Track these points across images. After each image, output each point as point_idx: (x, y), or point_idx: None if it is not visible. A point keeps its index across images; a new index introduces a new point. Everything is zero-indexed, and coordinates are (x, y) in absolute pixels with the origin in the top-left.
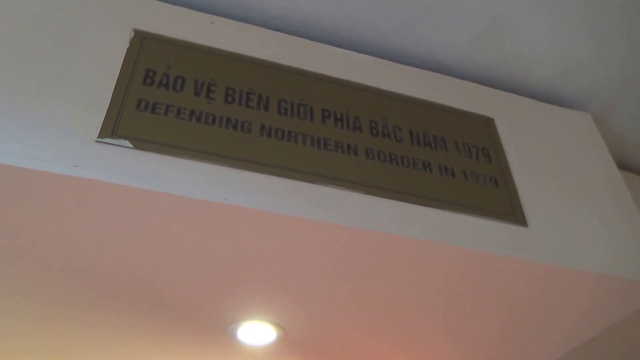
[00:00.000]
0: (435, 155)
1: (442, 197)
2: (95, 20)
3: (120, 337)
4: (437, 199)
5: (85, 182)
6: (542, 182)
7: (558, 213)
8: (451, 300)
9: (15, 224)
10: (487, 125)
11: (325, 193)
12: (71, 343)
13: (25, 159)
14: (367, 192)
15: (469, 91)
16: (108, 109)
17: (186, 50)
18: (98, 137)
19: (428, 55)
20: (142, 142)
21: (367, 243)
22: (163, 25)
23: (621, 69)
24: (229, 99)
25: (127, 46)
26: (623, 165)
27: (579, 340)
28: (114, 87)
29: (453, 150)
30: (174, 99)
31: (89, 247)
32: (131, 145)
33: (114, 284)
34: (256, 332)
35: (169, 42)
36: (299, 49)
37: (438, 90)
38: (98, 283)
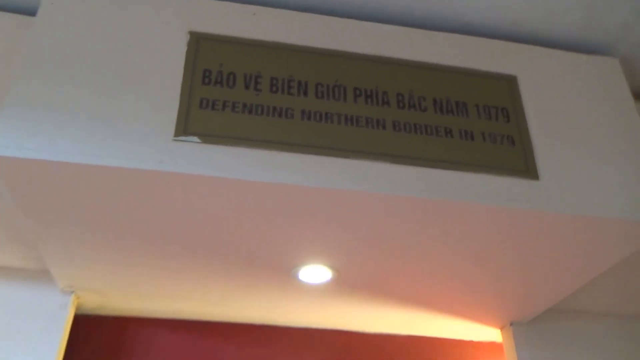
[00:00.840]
0: (456, 121)
1: (462, 159)
2: (154, 27)
3: (210, 281)
4: (458, 162)
5: (170, 174)
6: (560, 135)
7: (573, 164)
8: (471, 250)
9: (131, 211)
10: (508, 84)
11: (359, 166)
12: (178, 285)
13: (125, 161)
14: (394, 162)
15: (493, 50)
16: (178, 110)
17: (234, 46)
18: (174, 136)
19: (454, 17)
20: (208, 137)
21: (398, 206)
22: (211, 22)
23: None
24: (274, 88)
25: (186, 49)
26: None
27: (587, 278)
28: (180, 89)
29: (473, 114)
30: (228, 94)
31: (180, 220)
32: (199, 141)
33: (203, 244)
34: (314, 273)
35: (218, 40)
36: (331, 28)
37: (463, 52)
38: (191, 244)
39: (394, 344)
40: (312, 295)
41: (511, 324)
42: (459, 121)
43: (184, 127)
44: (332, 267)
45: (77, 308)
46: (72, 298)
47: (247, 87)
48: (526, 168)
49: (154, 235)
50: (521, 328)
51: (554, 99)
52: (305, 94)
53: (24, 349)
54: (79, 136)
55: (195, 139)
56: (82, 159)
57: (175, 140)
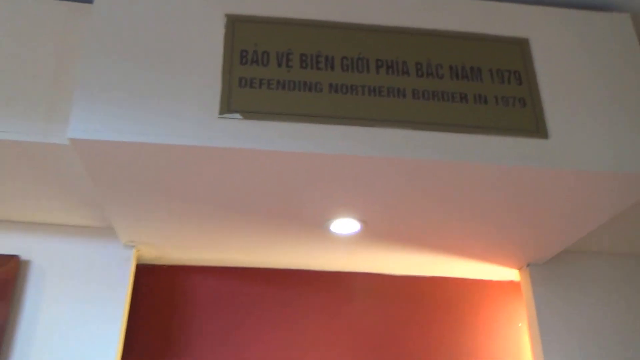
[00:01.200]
0: (471, 86)
1: (476, 123)
2: (195, 11)
3: (252, 234)
4: (473, 125)
5: (217, 149)
6: (569, 94)
7: (582, 122)
8: (487, 204)
9: (184, 179)
10: (520, 47)
11: (382, 133)
12: (224, 238)
13: (179, 138)
14: (414, 128)
15: (505, 14)
16: (221, 90)
17: (266, 26)
18: (219, 114)
19: None
20: (248, 113)
21: (418, 169)
22: (245, 4)
23: None
24: (303, 64)
25: (224, 32)
26: None
27: (595, 225)
28: (221, 70)
29: (487, 78)
30: (263, 73)
31: (225, 185)
32: (241, 117)
33: (246, 204)
34: (344, 225)
35: (252, 21)
36: (353, 2)
37: (476, 18)
38: (235, 204)
39: (419, 285)
40: (342, 244)
41: (528, 265)
42: (474, 86)
43: (227, 105)
44: (360, 219)
45: (137, 260)
46: (133, 251)
47: (279, 64)
48: (536, 128)
49: (203, 198)
50: (537, 269)
51: (564, 58)
52: (332, 68)
53: (96, 298)
54: (138, 117)
55: (238, 115)
56: (143, 138)
57: (220, 117)
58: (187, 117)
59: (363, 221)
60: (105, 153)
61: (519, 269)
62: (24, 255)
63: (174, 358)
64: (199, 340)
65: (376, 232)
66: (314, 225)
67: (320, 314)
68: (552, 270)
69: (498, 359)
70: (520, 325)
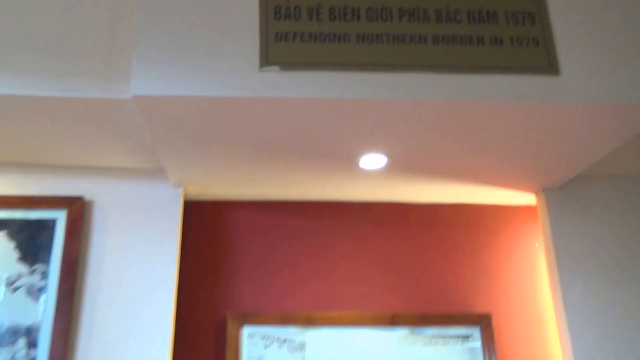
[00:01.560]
0: (487, 29)
1: (492, 64)
2: None
3: (288, 170)
4: (489, 66)
5: (259, 99)
6: (580, 30)
7: (592, 58)
8: (505, 137)
9: (229, 126)
10: None
11: (406, 78)
12: (262, 174)
13: (225, 91)
14: (435, 72)
15: None
16: (260, 45)
17: None
18: (259, 67)
19: None
20: (285, 65)
21: (439, 110)
22: None
23: None
24: (332, 17)
25: None
26: None
27: (607, 151)
28: (258, 26)
29: (502, 20)
30: (296, 26)
31: (266, 129)
32: (278, 69)
33: (284, 144)
34: (372, 161)
35: None
36: None
37: None
38: (274, 145)
39: (441, 212)
40: (370, 177)
41: (544, 190)
42: (490, 29)
43: (266, 59)
44: (386, 154)
45: (184, 197)
46: (181, 190)
47: (310, 17)
48: (549, 66)
49: (245, 141)
50: (553, 193)
51: None
52: (359, 18)
53: (152, 231)
54: (189, 73)
55: (275, 68)
56: (194, 92)
57: (260, 70)
58: (231, 72)
59: (389, 156)
60: (161, 106)
61: (536, 193)
62: (87, 196)
63: (219, 284)
64: (242, 267)
65: (401, 166)
66: (344, 161)
67: (350, 241)
68: (567, 194)
69: (516, 277)
70: (536, 245)
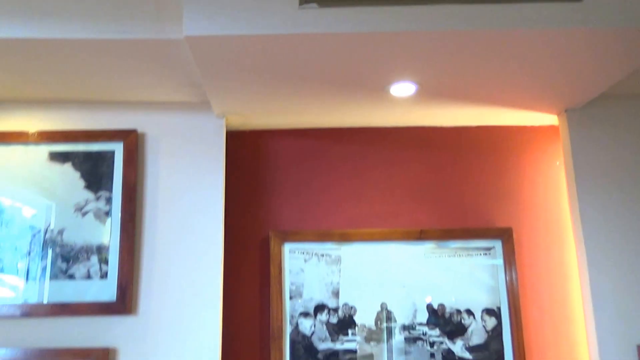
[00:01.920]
0: None
1: None
2: None
3: (324, 99)
4: None
5: (300, 35)
6: None
7: None
8: (531, 57)
9: (270, 60)
10: None
11: (434, 10)
12: (299, 104)
13: (268, 29)
14: (461, 2)
15: None
16: None
17: None
18: (299, 5)
19: None
20: (323, 2)
21: (467, 38)
22: None
23: None
24: None
25: None
26: None
27: (627, 72)
28: None
29: None
30: None
31: (304, 61)
32: (317, 6)
33: (321, 75)
34: (402, 88)
35: None
36: None
37: None
38: (311, 75)
39: (467, 134)
40: (400, 104)
41: (566, 111)
42: None
43: None
44: (416, 82)
45: (227, 127)
46: (224, 121)
47: None
48: None
49: (284, 74)
50: (575, 113)
51: None
52: None
53: (200, 159)
54: (235, 13)
55: (314, 5)
56: (240, 31)
57: (300, 8)
58: (274, 10)
59: (418, 84)
60: (210, 45)
61: (558, 114)
62: (140, 128)
63: (262, 205)
64: (282, 189)
65: (429, 92)
66: (376, 90)
67: (381, 163)
68: (588, 114)
69: (537, 194)
70: (557, 163)
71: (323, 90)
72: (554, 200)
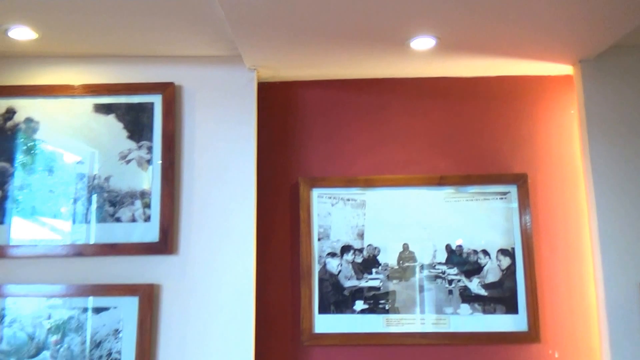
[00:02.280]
0: None
1: None
2: None
3: (350, 53)
4: None
5: None
6: None
7: None
8: (540, 14)
9: (296, 15)
10: None
11: None
12: (325, 57)
13: None
14: None
15: None
16: None
17: None
18: None
19: None
20: None
21: None
22: None
23: None
24: None
25: None
26: None
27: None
28: None
29: None
30: None
31: (332, 16)
32: None
33: (346, 30)
34: (422, 42)
35: None
36: None
37: None
38: (336, 31)
39: (484, 84)
40: (420, 56)
41: (580, 61)
42: None
43: None
44: (435, 36)
45: (257, 79)
46: (255, 73)
47: None
48: None
49: (311, 28)
50: (589, 63)
51: None
52: None
53: (233, 109)
54: None
55: None
56: None
57: None
58: None
59: (437, 38)
60: (240, 1)
61: (573, 64)
62: (177, 81)
63: (291, 153)
64: (310, 138)
65: (448, 45)
66: (398, 43)
67: (403, 113)
68: (602, 64)
69: (552, 142)
70: (572, 112)
71: (348, 43)
72: (568, 147)
